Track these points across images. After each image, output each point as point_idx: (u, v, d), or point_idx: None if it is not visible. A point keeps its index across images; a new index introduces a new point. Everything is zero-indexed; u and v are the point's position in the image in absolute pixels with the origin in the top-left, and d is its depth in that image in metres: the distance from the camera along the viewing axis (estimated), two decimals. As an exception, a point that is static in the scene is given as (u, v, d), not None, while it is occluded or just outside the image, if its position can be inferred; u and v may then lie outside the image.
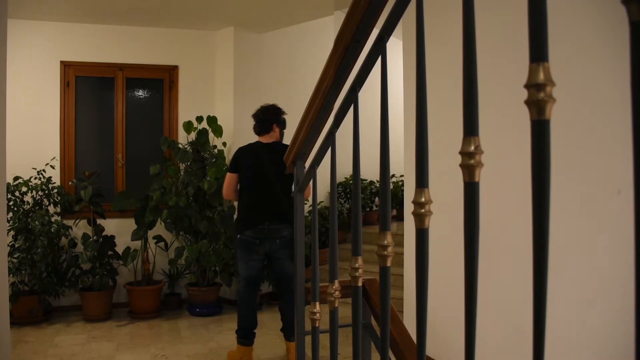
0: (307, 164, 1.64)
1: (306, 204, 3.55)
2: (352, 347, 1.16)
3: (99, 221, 4.50)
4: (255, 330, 3.38)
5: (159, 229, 4.65)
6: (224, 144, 4.79)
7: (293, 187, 3.43)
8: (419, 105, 0.82)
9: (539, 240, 0.57)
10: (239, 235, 3.37)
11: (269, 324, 4.18)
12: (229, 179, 3.42)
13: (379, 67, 0.99)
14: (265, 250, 3.32)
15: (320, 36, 5.76)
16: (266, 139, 3.43)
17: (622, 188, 1.98)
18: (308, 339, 1.65)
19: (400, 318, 1.92)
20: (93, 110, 4.91)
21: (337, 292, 1.30)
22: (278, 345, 3.69)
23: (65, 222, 4.48)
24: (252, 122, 3.56)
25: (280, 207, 3.29)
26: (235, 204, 4.57)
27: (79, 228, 4.55)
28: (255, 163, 3.34)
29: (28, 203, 4.32)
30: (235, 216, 3.97)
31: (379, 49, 0.98)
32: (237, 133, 4.89)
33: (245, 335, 3.33)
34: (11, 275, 3.98)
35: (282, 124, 3.49)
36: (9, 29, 3.00)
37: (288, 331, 3.42)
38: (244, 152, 3.41)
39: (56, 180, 4.58)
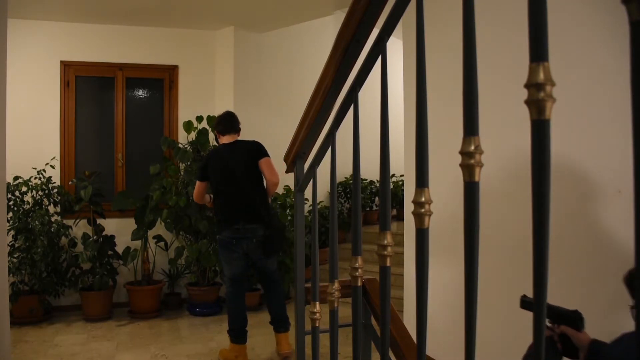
0: (307, 163, 1.64)
1: (306, 203, 3.56)
2: (352, 347, 1.16)
3: (99, 221, 4.50)
4: (247, 329, 3.40)
5: (159, 228, 4.65)
6: (224, 143, 4.79)
7: (265, 183, 3.44)
8: (419, 105, 0.82)
9: (539, 240, 0.57)
10: (217, 236, 3.42)
11: (266, 323, 4.18)
12: (198, 187, 3.48)
13: (379, 67, 0.99)
14: (243, 249, 3.34)
15: (320, 36, 5.76)
16: (228, 139, 3.45)
17: (622, 188, 1.98)
18: (308, 339, 1.65)
19: (400, 318, 1.92)
20: (93, 110, 4.91)
21: (337, 292, 1.30)
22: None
23: (65, 222, 4.48)
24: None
25: (253, 206, 3.32)
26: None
27: (79, 228, 4.55)
28: (222, 165, 3.37)
29: (28, 203, 4.31)
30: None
31: (379, 49, 0.98)
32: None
33: (238, 335, 3.35)
34: (11, 275, 3.98)
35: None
36: (9, 28, 3.00)
37: (276, 323, 3.45)
38: (209, 158, 3.46)
39: (56, 180, 4.58)
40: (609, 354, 1.29)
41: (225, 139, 3.46)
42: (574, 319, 1.37)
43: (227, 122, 3.48)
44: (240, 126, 3.52)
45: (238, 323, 3.35)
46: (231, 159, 3.34)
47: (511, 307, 2.34)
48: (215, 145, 3.56)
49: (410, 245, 3.19)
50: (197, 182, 3.50)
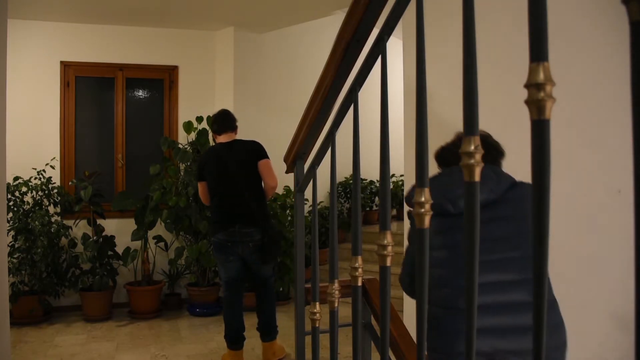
0: (307, 164, 1.64)
1: (306, 203, 3.56)
2: (352, 347, 1.16)
3: (99, 221, 4.50)
4: (244, 334, 3.29)
5: (159, 229, 4.65)
6: (224, 144, 4.79)
7: (263, 185, 3.30)
8: (418, 105, 0.82)
9: (539, 240, 0.57)
10: (212, 238, 3.29)
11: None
12: (200, 187, 3.35)
13: (379, 67, 0.99)
14: (238, 252, 3.20)
15: (320, 36, 5.76)
16: (225, 138, 3.32)
17: (622, 188, 1.98)
18: (308, 339, 1.65)
19: (400, 318, 1.92)
20: (93, 110, 4.91)
21: (337, 292, 1.30)
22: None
23: (65, 222, 4.48)
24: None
25: (249, 209, 3.17)
26: None
27: (79, 228, 4.54)
28: (218, 165, 3.23)
29: (28, 203, 4.31)
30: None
31: (379, 49, 0.98)
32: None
33: (233, 340, 3.24)
34: (11, 275, 3.97)
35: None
36: (9, 29, 3.00)
37: (264, 331, 3.33)
38: (205, 157, 3.34)
39: (56, 180, 4.58)
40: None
41: (222, 138, 3.32)
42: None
43: (222, 121, 3.34)
44: (237, 124, 3.39)
45: (234, 329, 3.24)
46: (228, 159, 3.20)
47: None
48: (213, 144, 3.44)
49: (410, 245, 3.18)
50: (198, 183, 3.37)
